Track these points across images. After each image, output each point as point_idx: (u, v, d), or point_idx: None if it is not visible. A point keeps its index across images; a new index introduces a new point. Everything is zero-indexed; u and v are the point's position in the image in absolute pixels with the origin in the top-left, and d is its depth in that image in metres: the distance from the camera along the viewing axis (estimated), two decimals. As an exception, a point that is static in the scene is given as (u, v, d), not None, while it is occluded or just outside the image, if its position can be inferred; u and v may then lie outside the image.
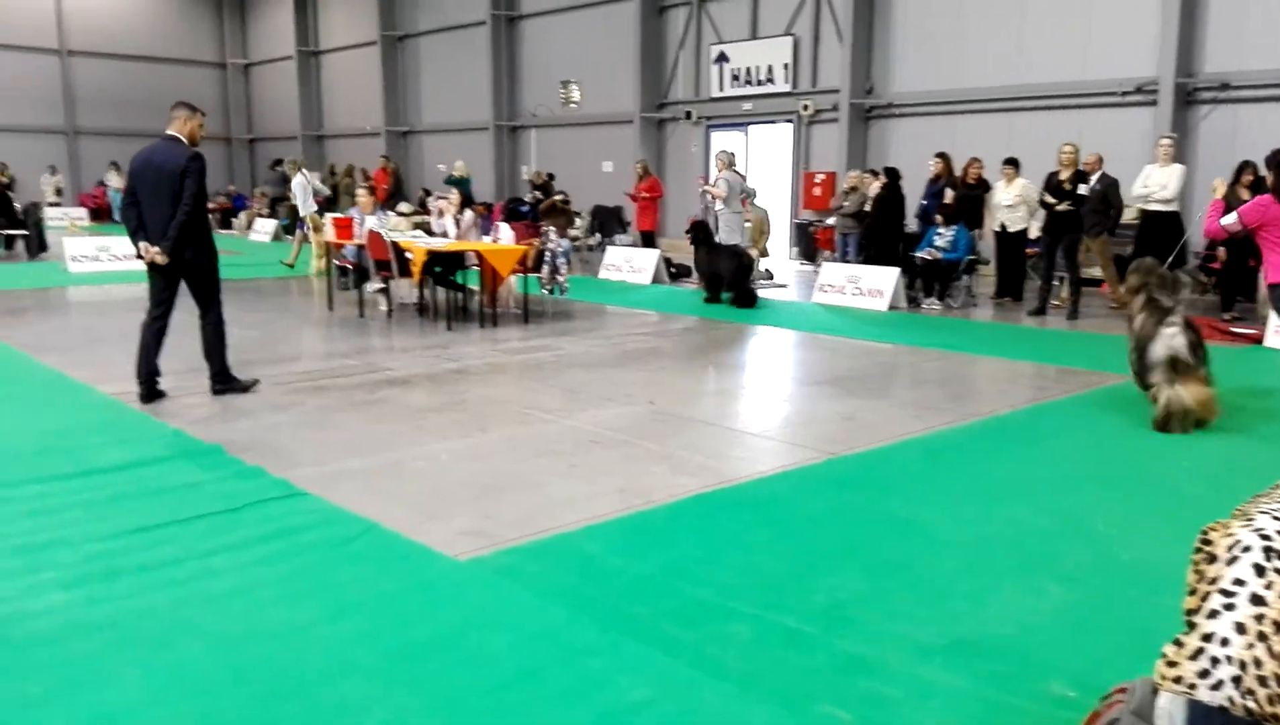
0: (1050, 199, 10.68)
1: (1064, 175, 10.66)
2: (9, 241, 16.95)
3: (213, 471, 4.85)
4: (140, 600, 3.36)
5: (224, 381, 6.59)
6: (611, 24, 20.68)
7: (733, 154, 14.05)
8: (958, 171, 12.64)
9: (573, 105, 21.88)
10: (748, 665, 2.97)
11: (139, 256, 6.26)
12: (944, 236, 11.86)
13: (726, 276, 11.73)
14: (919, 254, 11.97)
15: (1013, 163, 11.70)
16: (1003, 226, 11.80)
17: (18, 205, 17.56)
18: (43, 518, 4.15)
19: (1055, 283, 11.31)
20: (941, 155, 12.82)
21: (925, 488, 4.78)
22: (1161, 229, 10.63)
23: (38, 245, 16.98)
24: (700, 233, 12.34)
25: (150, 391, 6.31)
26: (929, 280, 11.90)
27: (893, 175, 12.81)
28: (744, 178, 14.02)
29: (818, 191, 17.38)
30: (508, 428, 5.86)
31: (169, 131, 6.24)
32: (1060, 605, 3.45)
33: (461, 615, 3.30)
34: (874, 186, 13.08)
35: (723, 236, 12.87)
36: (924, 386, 7.30)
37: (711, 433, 5.86)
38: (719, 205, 13.20)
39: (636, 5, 19.73)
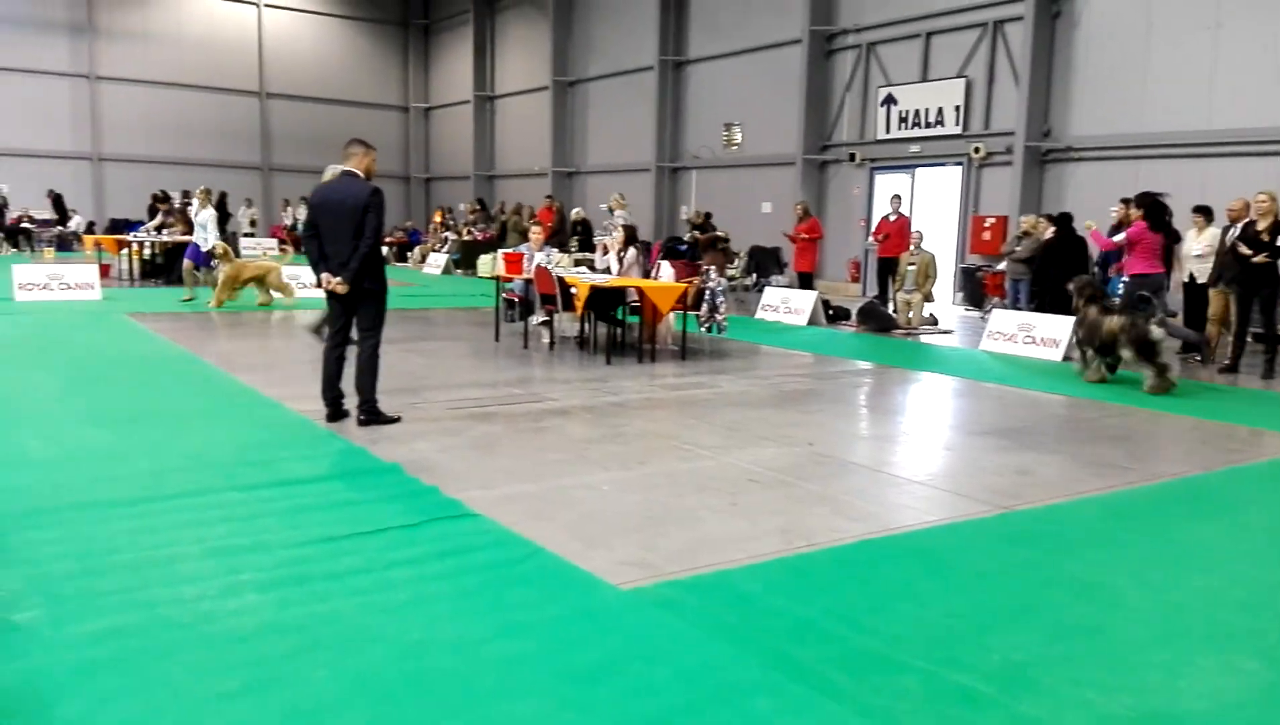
0: (1246, 250, 10.00)
1: (1261, 225, 9.96)
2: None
3: (392, 489, 5.10)
4: (328, 605, 3.56)
5: (370, 413, 6.57)
6: (778, 67, 20.80)
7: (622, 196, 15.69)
8: (1142, 218, 11.99)
9: (734, 147, 22.08)
10: (920, 721, 2.87)
11: (318, 285, 6.59)
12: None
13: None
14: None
15: (1204, 211, 11.03)
16: (1191, 277, 11.12)
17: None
18: (240, 523, 4.46)
19: (1248, 339, 10.55)
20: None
21: (1108, 550, 4.52)
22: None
23: (234, 271, 18.29)
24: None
25: (335, 412, 6.67)
26: (1108, 331, 11.31)
27: (1064, 221, 12.30)
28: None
29: (987, 236, 16.87)
30: (667, 462, 5.91)
31: (346, 167, 6.50)
32: (1262, 683, 3.19)
33: (625, 644, 3.34)
34: (1047, 232, 12.60)
35: None
36: (1103, 443, 6.93)
37: (874, 478, 5.74)
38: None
39: (804, 49, 19.78)
